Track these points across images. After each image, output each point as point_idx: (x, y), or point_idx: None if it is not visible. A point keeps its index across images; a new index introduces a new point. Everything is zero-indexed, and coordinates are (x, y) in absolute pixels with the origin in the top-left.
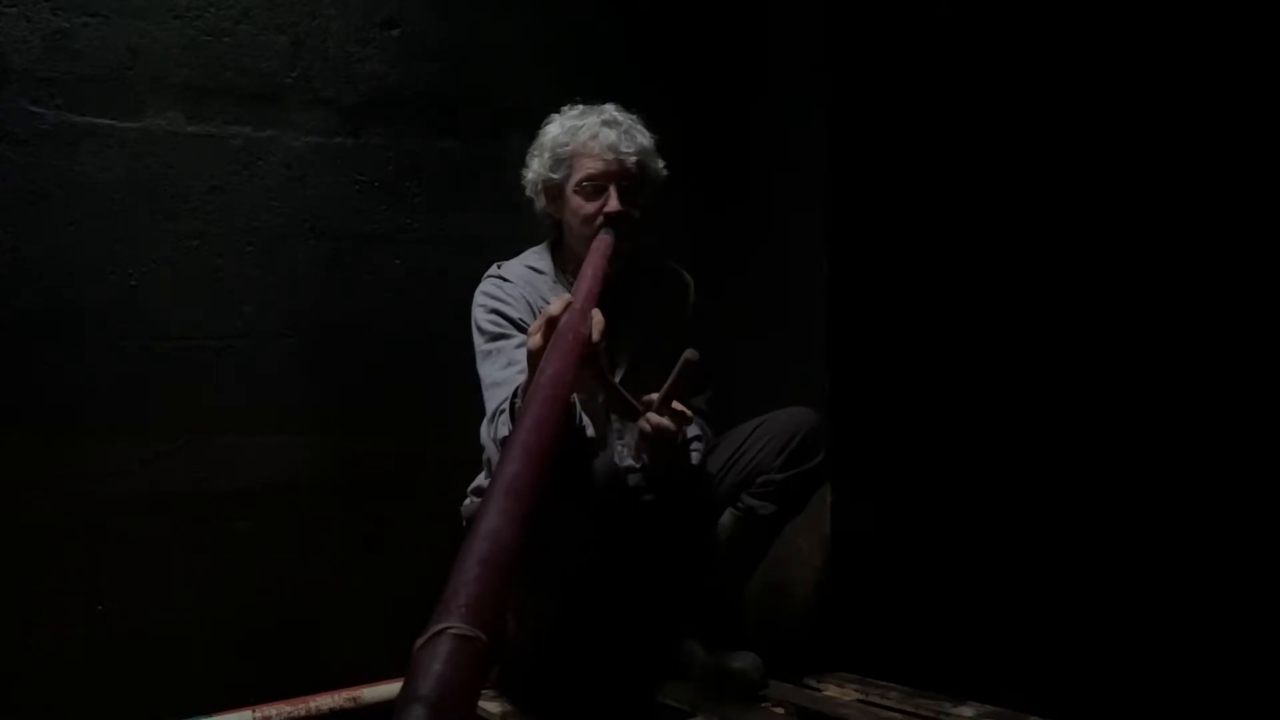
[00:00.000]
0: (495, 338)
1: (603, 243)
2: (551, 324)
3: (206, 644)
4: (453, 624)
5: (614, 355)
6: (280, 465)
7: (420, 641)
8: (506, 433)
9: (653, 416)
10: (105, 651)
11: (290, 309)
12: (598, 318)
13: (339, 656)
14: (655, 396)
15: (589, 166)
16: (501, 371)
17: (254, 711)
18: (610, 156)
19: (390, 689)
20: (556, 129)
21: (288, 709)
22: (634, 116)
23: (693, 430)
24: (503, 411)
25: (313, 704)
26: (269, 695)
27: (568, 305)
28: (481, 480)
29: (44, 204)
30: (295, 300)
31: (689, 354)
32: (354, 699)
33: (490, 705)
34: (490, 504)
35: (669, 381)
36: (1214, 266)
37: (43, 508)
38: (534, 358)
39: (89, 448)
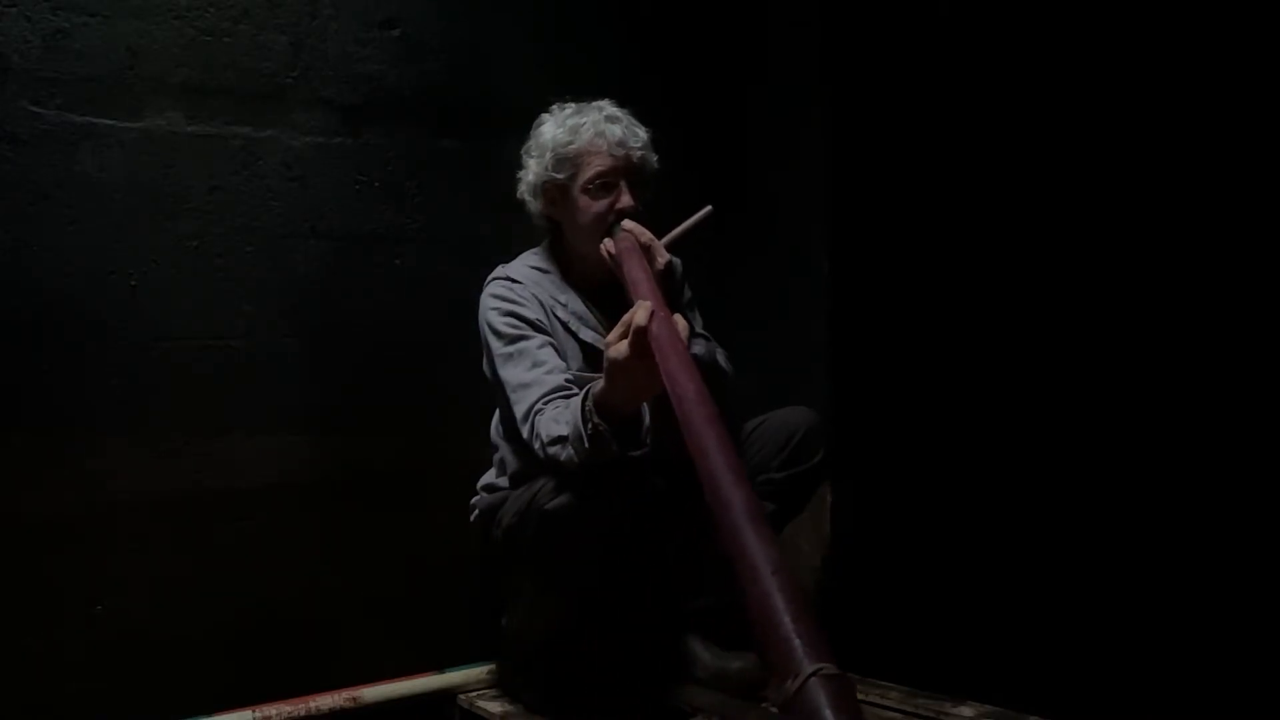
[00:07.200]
0: (515, 339)
1: (628, 241)
2: (640, 334)
3: (206, 644)
4: (818, 664)
5: None
6: (280, 465)
7: (792, 687)
8: (565, 430)
9: (662, 250)
10: (105, 651)
11: (290, 309)
12: (682, 323)
13: (339, 656)
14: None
15: (598, 164)
16: (528, 373)
17: (254, 711)
18: (620, 152)
19: (390, 689)
20: (555, 128)
21: (288, 709)
22: (627, 110)
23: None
24: (539, 412)
25: (313, 704)
26: (269, 695)
27: (652, 314)
28: (493, 478)
29: (44, 204)
30: (295, 300)
31: (709, 208)
32: (354, 699)
33: (490, 705)
34: (748, 536)
35: (686, 224)
36: (1214, 268)
37: (42, 508)
38: (620, 366)
39: (89, 448)
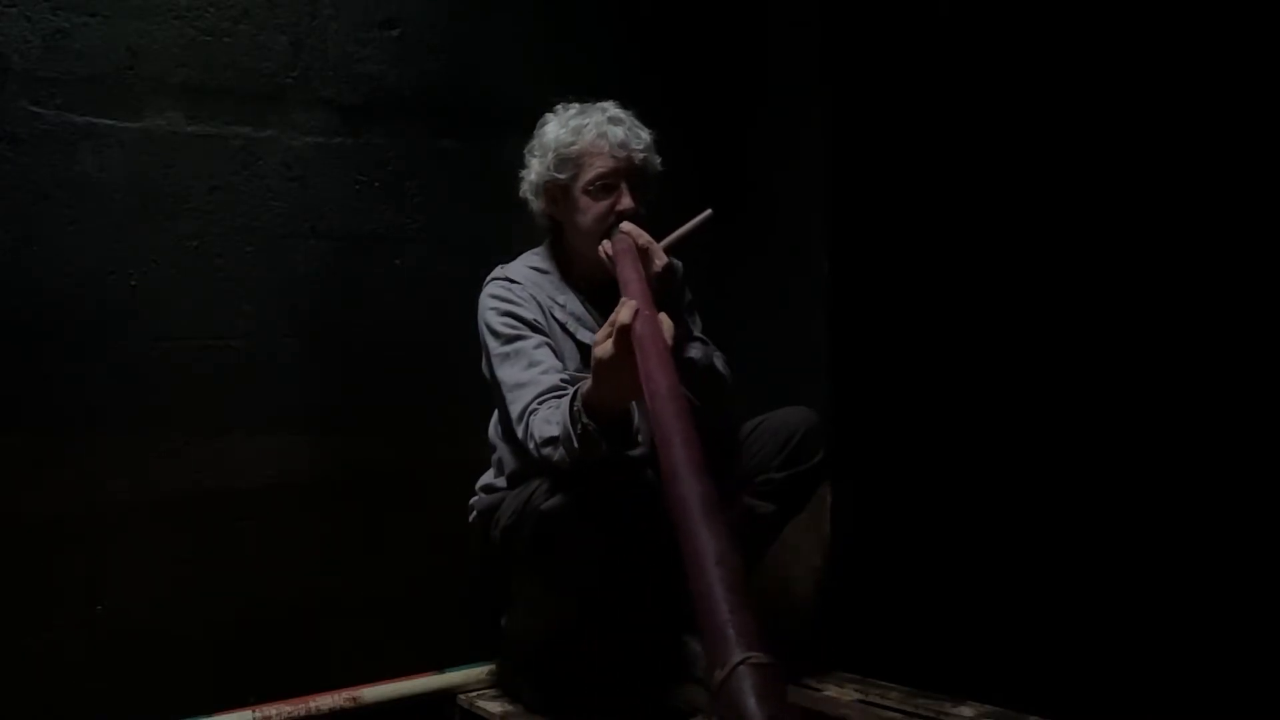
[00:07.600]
0: (511, 339)
1: (625, 242)
2: (624, 332)
3: (206, 644)
4: (747, 654)
5: None
6: (280, 465)
7: (721, 676)
8: (556, 431)
9: (660, 253)
10: (105, 651)
11: (290, 309)
12: (667, 323)
13: (339, 656)
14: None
15: (599, 165)
16: (524, 373)
17: (254, 711)
18: (621, 154)
19: (390, 689)
20: (558, 128)
21: (288, 709)
22: (630, 112)
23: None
24: (533, 412)
25: (313, 704)
26: (269, 695)
27: (636, 313)
28: (491, 478)
29: (44, 204)
30: (295, 300)
31: (708, 212)
32: (354, 699)
33: (490, 705)
34: (699, 529)
35: (685, 227)
36: (1214, 268)
37: (42, 508)
38: (606, 366)
39: (89, 448)
